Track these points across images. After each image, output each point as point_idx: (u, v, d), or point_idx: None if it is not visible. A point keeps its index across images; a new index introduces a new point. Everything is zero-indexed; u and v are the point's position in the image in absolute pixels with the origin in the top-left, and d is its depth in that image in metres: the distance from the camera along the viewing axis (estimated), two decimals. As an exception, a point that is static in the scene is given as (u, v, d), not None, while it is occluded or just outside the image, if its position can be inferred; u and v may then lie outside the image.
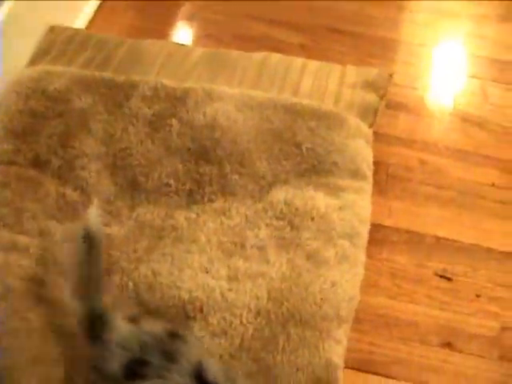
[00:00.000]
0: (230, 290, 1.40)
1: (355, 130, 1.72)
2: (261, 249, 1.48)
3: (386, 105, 2.00)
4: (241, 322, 1.35)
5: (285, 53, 2.00)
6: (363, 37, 2.34)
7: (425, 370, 1.52)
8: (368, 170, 1.67)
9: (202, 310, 1.36)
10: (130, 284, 1.39)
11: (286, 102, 1.74)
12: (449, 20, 2.45)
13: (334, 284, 1.42)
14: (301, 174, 1.62)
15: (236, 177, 1.60)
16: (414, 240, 1.75)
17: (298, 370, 1.30)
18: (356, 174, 1.64)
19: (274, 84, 1.86)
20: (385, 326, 1.58)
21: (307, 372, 1.30)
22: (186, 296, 1.37)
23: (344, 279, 1.44)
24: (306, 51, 2.22)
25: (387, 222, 1.78)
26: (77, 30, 2.05)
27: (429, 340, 1.56)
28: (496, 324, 1.59)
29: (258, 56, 1.95)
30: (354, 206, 1.58)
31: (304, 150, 1.65)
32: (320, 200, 1.57)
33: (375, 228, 1.66)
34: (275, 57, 1.95)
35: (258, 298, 1.38)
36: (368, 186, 1.65)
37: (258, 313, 1.36)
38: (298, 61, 1.95)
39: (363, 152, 1.70)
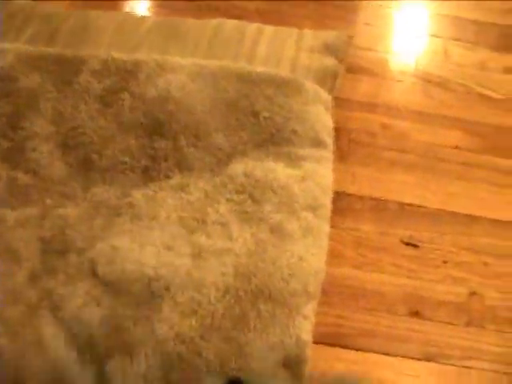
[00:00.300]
0: (195, 267, 1.36)
1: (314, 96, 1.69)
2: (223, 224, 1.45)
3: (347, 69, 1.96)
4: (209, 302, 1.31)
5: (240, 19, 1.96)
6: (322, -1, 2.29)
7: (393, 339, 1.49)
8: (328, 137, 1.65)
9: (168, 289, 1.32)
10: (87, 261, 1.35)
11: (241, 70, 1.70)
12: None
13: (300, 258, 1.40)
14: (259, 145, 1.60)
15: (192, 150, 1.57)
16: (379, 207, 1.72)
17: (269, 347, 1.28)
18: (316, 141, 1.61)
19: (229, 52, 1.83)
20: (351, 297, 1.54)
21: (278, 350, 1.28)
22: (150, 272, 1.34)
23: (310, 253, 1.42)
24: (262, 16, 2.15)
25: (350, 190, 1.74)
26: (21, 4, 1.98)
27: (396, 309, 1.54)
28: (463, 289, 1.57)
29: (211, 23, 1.92)
30: (315, 176, 1.55)
31: (261, 119, 1.62)
32: (280, 171, 1.55)
33: (338, 196, 1.63)
34: (229, 23, 1.92)
35: (224, 275, 1.35)
36: (329, 154, 1.62)
37: (227, 291, 1.33)
38: (253, 26, 1.91)
39: (323, 119, 1.67)
